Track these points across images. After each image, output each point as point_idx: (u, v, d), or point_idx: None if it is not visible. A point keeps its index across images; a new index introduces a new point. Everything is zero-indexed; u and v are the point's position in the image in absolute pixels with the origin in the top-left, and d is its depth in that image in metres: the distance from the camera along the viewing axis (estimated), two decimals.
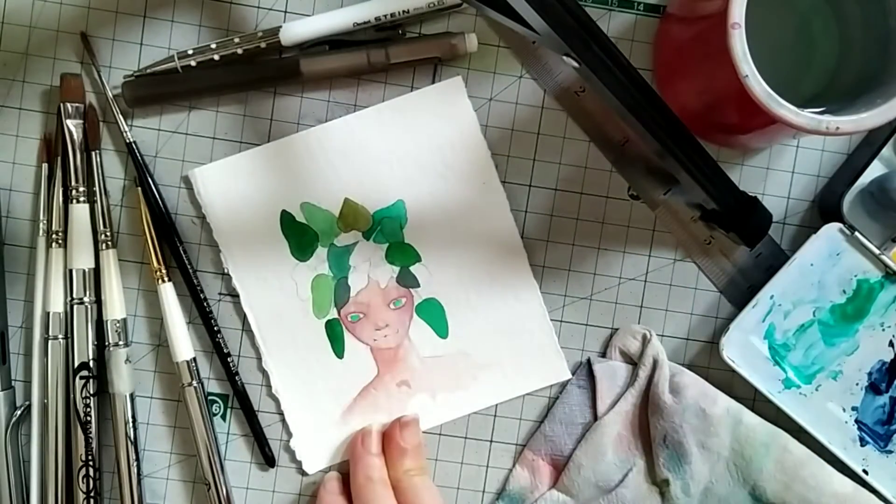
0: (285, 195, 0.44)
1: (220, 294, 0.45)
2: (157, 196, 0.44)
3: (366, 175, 0.44)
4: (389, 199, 0.45)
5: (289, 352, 0.45)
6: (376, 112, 0.44)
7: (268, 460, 0.45)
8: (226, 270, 0.44)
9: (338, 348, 0.45)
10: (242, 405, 0.45)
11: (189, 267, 0.44)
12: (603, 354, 0.46)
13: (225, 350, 0.44)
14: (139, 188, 0.43)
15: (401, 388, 0.45)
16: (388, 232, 0.45)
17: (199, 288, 0.44)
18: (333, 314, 0.45)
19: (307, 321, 0.45)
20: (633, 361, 0.45)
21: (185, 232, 0.45)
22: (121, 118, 0.44)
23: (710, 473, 0.43)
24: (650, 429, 0.44)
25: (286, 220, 0.44)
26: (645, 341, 0.45)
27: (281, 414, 0.45)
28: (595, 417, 0.45)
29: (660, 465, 0.43)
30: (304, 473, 0.45)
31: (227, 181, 0.44)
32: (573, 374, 0.45)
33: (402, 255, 0.45)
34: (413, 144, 0.44)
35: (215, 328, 0.44)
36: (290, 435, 0.45)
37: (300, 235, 0.44)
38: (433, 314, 0.45)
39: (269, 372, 0.44)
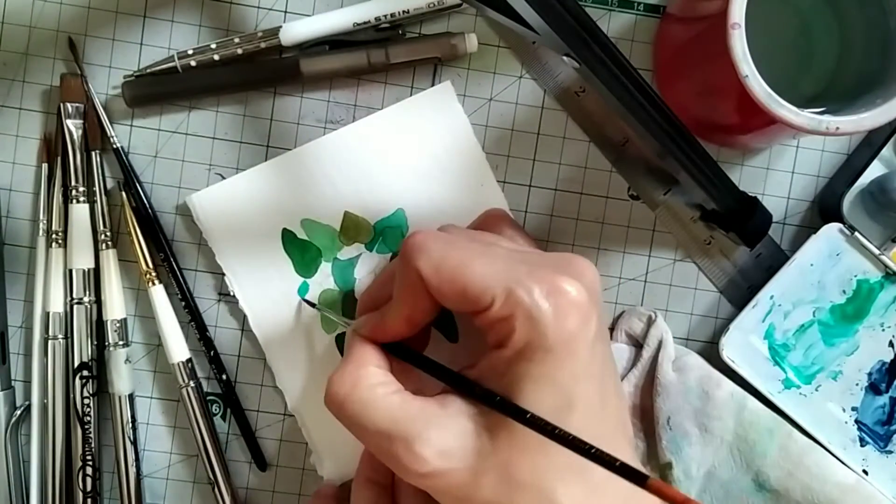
0: (284, 213, 0.44)
1: (220, 294, 0.45)
2: (144, 200, 0.44)
3: (363, 187, 0.44)
4: (389, 209, 0.44)
5: (301, 369, 0.44)
6: (369, 123, 0.44)
7: (259, 464, 0.45)
8: (231, 293, 0.44)
9: None
10: (234, 410, 0.45)
11: (179, 273, 0.44)
12: (609, 337, 0.46)
13: (212, 353, 0.44)
14: (122, 192, 0.43)
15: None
16: (391, 241, 0.45)
17: (189, 293, 0.44)
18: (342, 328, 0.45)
19: (317, 337, 0.44)
20: (639, 344, 0.45)
21: (183, 232, 0.45)
22: (107, 122, 0.43)
23: (713, 457, 0.43)
24: (654, 411, 0.44)
25: (287, 238, 0.44)
26: (650, 322, 0.45)
27: (282, 413, 0.45)
28: None
29: (662, 448, 0.43)
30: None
31: (224, 205, 0.44)
32: None
33: None
34: (408, 152, 0.44)
35: (207, 333, 0.44)
36: (310, 451, 0.45)
37: (303, 252, 0.44)
38: (442, 319, 0.45)
39: (284, 390, 0.44)
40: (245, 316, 0.44)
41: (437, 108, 0.44)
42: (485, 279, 0.33)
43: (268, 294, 0.44)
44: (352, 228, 0.44)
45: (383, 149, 0.44)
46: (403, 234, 0.45)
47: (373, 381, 0.35)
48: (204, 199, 0.44)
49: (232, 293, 0.44)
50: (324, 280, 0.44)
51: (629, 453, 0.35)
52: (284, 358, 0.44)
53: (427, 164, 0.44)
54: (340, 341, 0.45)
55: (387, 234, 0.45)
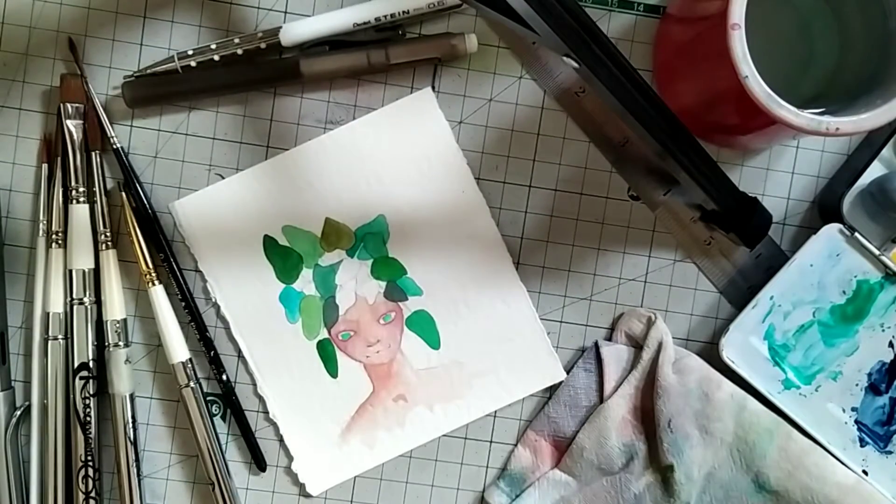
0: (266, 220, 0.44)
1: (206, 299, 0.45)
2: (144, 200, 0.44)
3: (344, 193, 0.44)
4: (370, 215, 0.45)
5: (283, 376, 0.44)
6: (350, 130, 0.44)
7: (259, 465, 0.45)
8: (214, 300, 0.44)
9: (331, 368, 0.45)
10: (234, 411, 0.45)
11: (179, 273, 0.44)
12: (609, 338, 0.46)
13: (212, 353, 0.44)
14: (122, 192, 0.43)
15: (397, 403, 0.45)
16: (372, 248, 0.45)
17: (189, 293, 0.44)
18: (324, 334, 0.45)
19: (298, 343, 0.45)
20: (640, 345, 0.45)
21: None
22: (107, 123, 0.43)
23: (713, 459, 0.43)
24: (654, 413, 0.44)
25: (269, 244, 0.44)
26: (650, 324, 0.45)
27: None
28: (601, 401, 0.45)
29: (663, 451, 0.43)
30: (307, 495, 0.45)
31: (207, 211, 0.44)
32: (580, 358, 0.45)
33: (387, 269, 0.45)
34: (389, 159, 0.44)
35: (207, 333, 0.44)
36: (290, 458, 0.45)
37: (284, 259, 0.44)
38: (423, 326, 0.45)
39: (265, 397, 0.44)
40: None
41: (417, 115, 0.44)
42: None
43: (249, 300, 0.44)
44: (333, 235, 0.45)
45: (364, 155, 0.44)
46: (385, 240, 0.45)
47: None
48: (186, 207, 0.44)
49: (214, 300, 0.44)
50: (305, 286, 0.44)
51: None
52: (266, 364, 0.44)
53: (408, 171, 0.44)
54: (321, 348, 0.45)
55: (368, 240, 0.45)
